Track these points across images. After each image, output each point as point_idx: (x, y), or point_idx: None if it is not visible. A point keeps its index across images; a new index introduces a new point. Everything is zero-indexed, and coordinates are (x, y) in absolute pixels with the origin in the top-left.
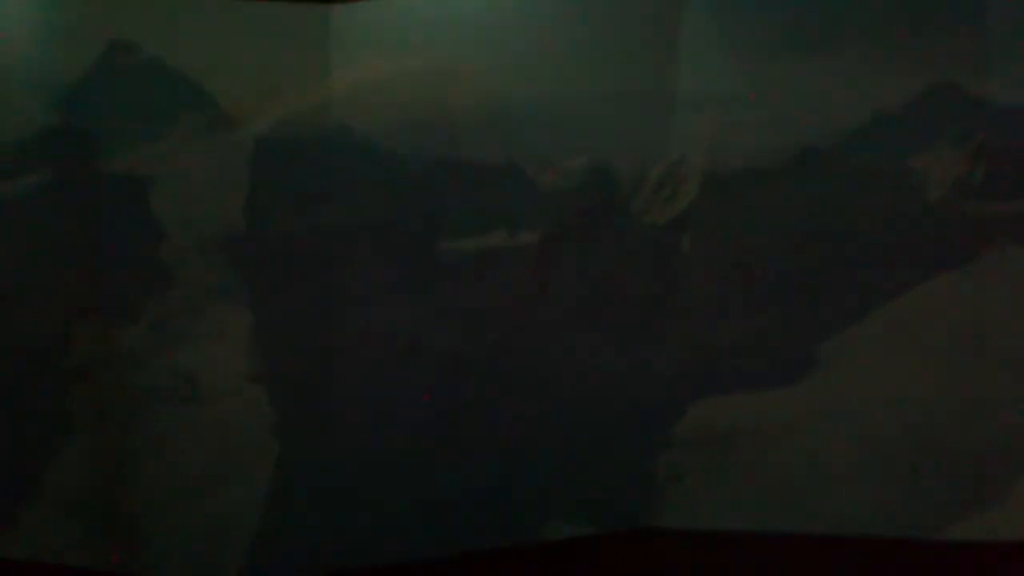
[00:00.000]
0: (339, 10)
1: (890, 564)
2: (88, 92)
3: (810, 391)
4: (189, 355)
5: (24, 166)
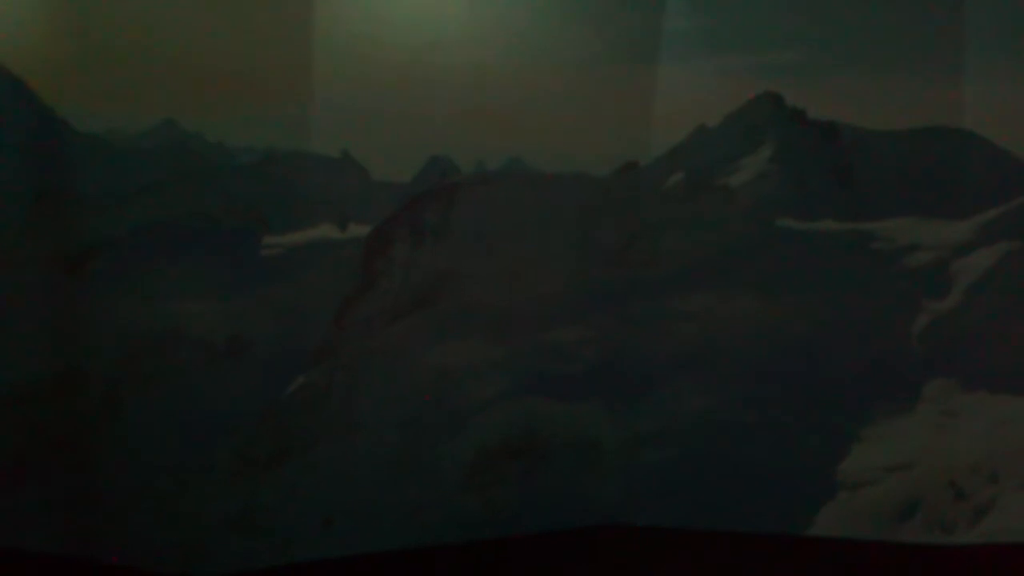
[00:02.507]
0: None
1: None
2: None
3: (626, 406)
4: None
5: None
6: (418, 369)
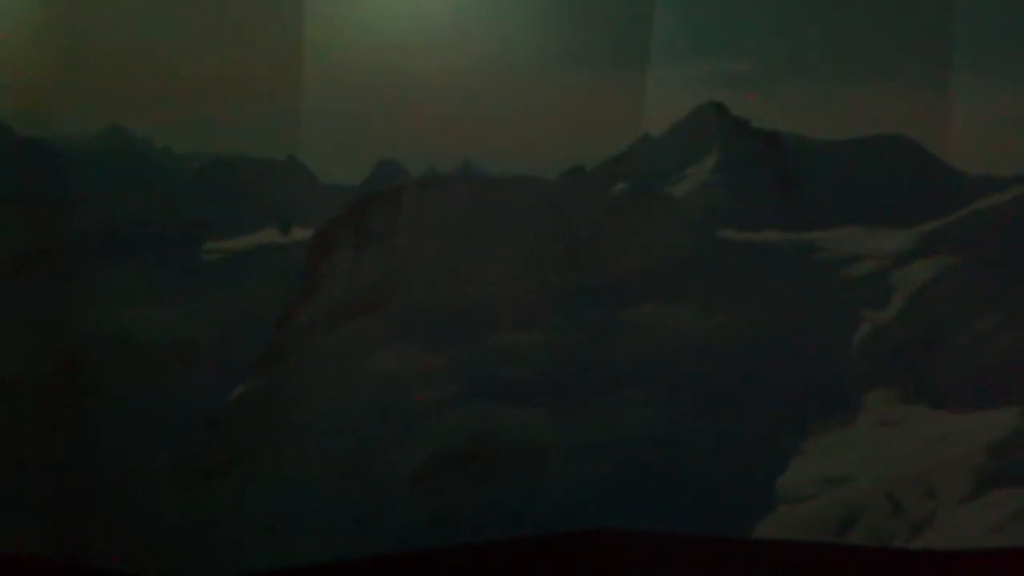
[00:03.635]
0: None
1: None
2: None
3: (574, 413)
4: None
5: None
6: (364, 375)
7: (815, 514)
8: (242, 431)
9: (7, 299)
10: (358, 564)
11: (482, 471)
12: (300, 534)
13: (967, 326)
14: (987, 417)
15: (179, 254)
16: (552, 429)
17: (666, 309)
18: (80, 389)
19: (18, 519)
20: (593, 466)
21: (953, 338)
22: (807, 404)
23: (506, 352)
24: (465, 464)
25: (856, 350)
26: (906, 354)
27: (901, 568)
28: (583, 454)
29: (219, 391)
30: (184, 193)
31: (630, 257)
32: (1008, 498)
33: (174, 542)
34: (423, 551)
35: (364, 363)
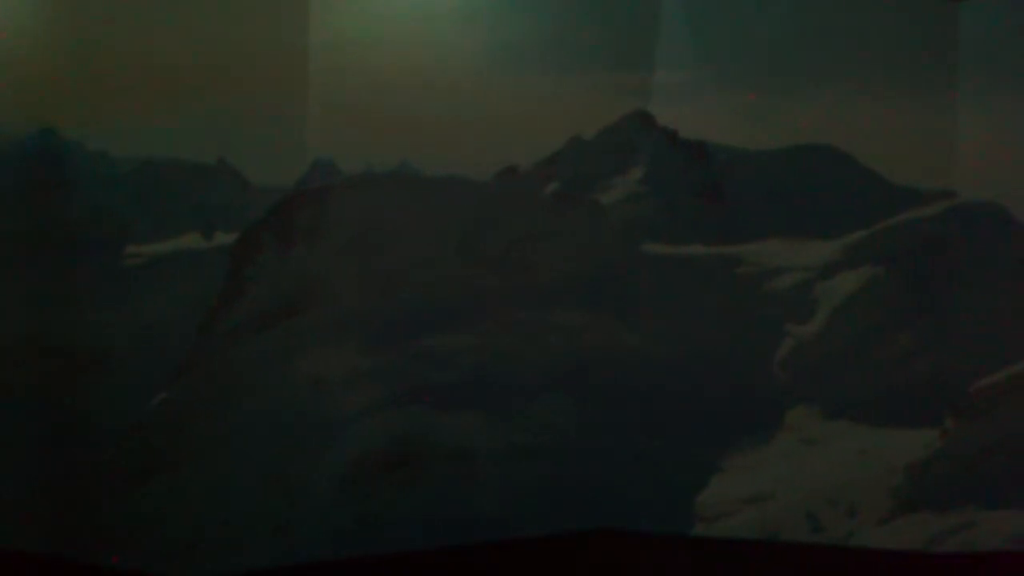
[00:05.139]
0: None
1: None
2: None
3: (502, 418)
4: None
5: None
6: (289, 379)
7: (732, 533)
8: (163, 438)
9: None
10: (359, 563)
11: (410, 476)
12: (222, 543)
13: (888, 341)
14: (908, 435)
15: (102, 258)
16: (481, 433)
17: (591, 316)
18: None
19: None
20: (523, 471)
21: (875, 353)
22: (728, 420)
23: (434, 355)
24: (393, 469)
25: (778, 366)
26: (828, 368)
27: (901, 568)
28: (512, 458)
29: (139, 397)
30: (110, 197)
31: (558, 260)
32: (924, 522)
33: (87, 552)
34: (422, 551)
35: (289, 367)
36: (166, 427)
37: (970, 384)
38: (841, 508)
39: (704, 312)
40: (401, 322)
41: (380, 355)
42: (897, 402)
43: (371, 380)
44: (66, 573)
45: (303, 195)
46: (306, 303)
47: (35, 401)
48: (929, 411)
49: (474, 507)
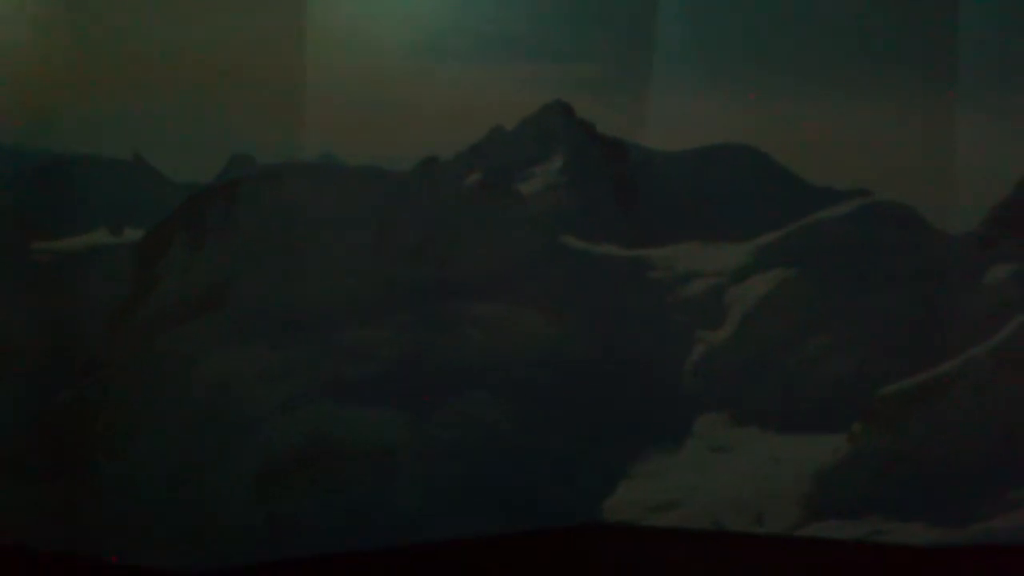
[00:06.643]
0: None
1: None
2: None
3: (420, 413)
4: None
5: None
6: (200, 376)
7: None
8: (69, 435)
9: None
10: (356, 557)
11: (325, 473)
12: (129, 544)
13: (798, 347)
14: (816, 442)
15: (7, 255)
16: (398, 429)
17: (507, 310)
18: None
19: None
20: (440, 468)
21: (784, 359)
22: (637, 426)
23: (350, 350)
24: (307, 467)
25: (689, 371)
26: (737, 375)
27: (900, 567)
28: (430, 455)
29: (45, 393)
30: (19, 192)
31: (476, 253)
32: (830, 531)
33: None
34: (417, 545)
35: (200, 364)
36: (72, 424)
37: (878, 390)
38: (749, 516)
39: (617, 313)
40: (314, 316)
41: (293, 351)
42: (806, 408)
43: (285, 376)
44: (66, 572)
45: (214, 190)
46: (218, 299)
47: None
48: (837, 415)
49: (392, 503)
